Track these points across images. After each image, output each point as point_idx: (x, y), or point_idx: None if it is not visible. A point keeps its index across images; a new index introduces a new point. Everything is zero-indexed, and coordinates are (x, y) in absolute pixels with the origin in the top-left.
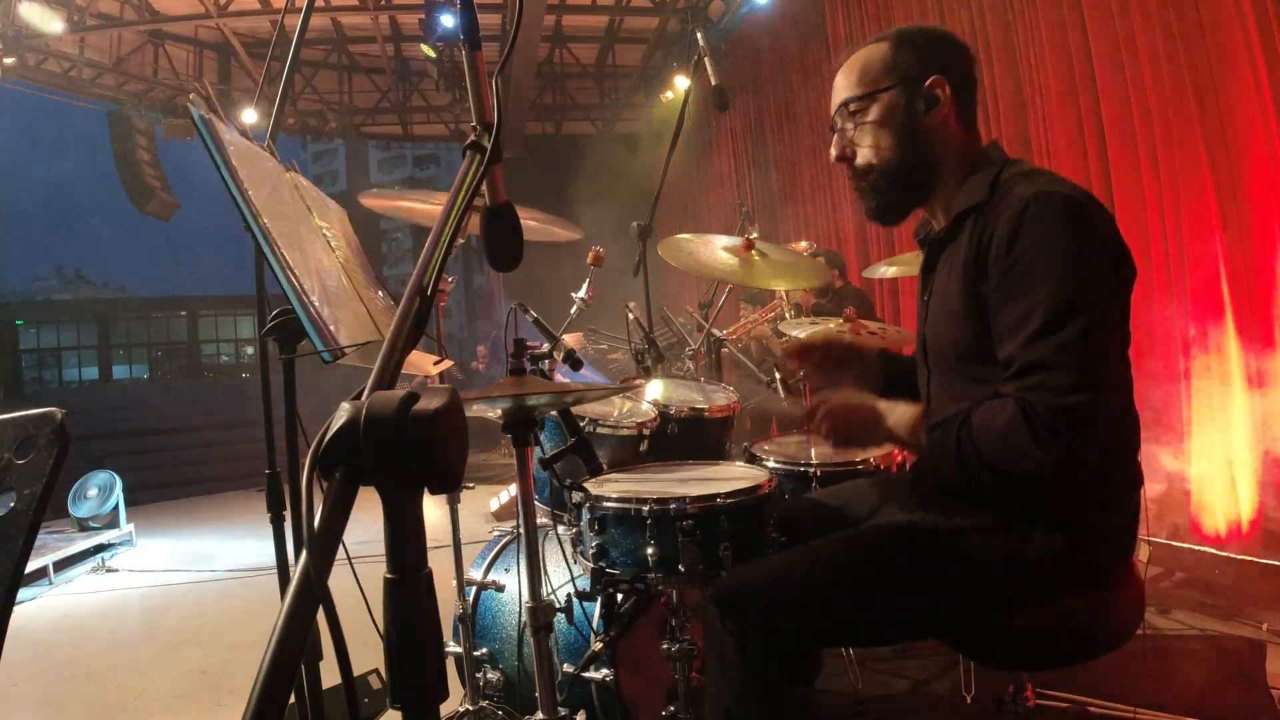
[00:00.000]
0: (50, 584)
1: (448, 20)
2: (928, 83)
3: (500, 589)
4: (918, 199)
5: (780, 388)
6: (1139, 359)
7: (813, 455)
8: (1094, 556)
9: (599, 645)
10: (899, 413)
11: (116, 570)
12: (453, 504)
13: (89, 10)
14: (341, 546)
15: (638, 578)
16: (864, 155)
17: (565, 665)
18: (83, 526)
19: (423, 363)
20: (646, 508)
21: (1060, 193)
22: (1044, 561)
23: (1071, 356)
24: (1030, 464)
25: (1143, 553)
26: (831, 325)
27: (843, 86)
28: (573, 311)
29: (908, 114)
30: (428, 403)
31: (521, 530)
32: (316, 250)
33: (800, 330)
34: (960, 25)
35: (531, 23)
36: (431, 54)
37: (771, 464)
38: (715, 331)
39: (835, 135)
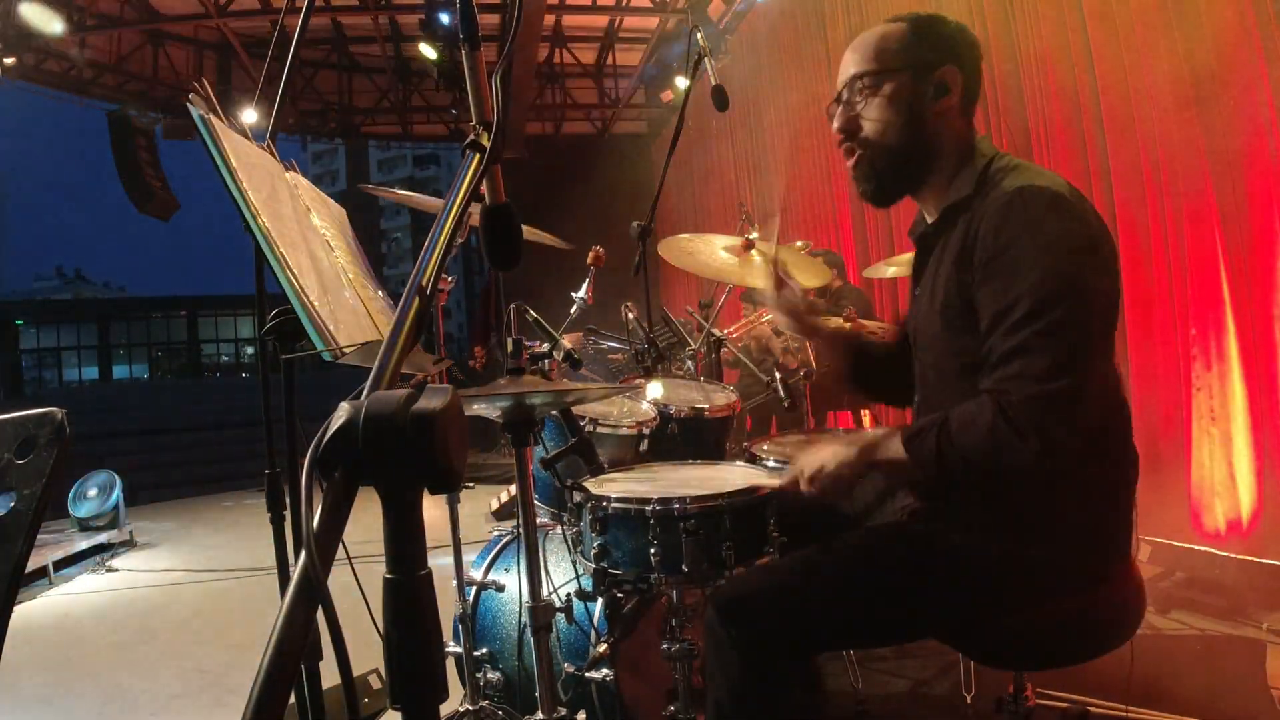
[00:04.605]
0: (50, 584)
1: (446, 18)
2: (941, 70)
3: (500, 589)
4: (911, 184)
5: (780, 388)
6: (1138, 358)
7: None
8: (1092, 555)
9: (603, 647)
10: (866, 441)
11: (116, 570)
12: (453, 504)
13: (89, 10)
14: (341, 546)
15: (640, 578)
16: (868, 129)
17: (566, 665)
18: (83, 526)
19: (422, 363)
20: (649, 508)
21: (1042, 185)
22: (1042, 560)
23: (1050, 342)
24: (1012, 456)
25: (1143, 553)
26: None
27: (854, 61)
28: (573, 311)
29: (917, 97)
30: (427, 403)
31: (521, 530)
32: (316, 250)
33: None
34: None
35: (531, 22)
36: (432, 55)
37: (771, 464)
38: (715, 331)
39: (840, 107)
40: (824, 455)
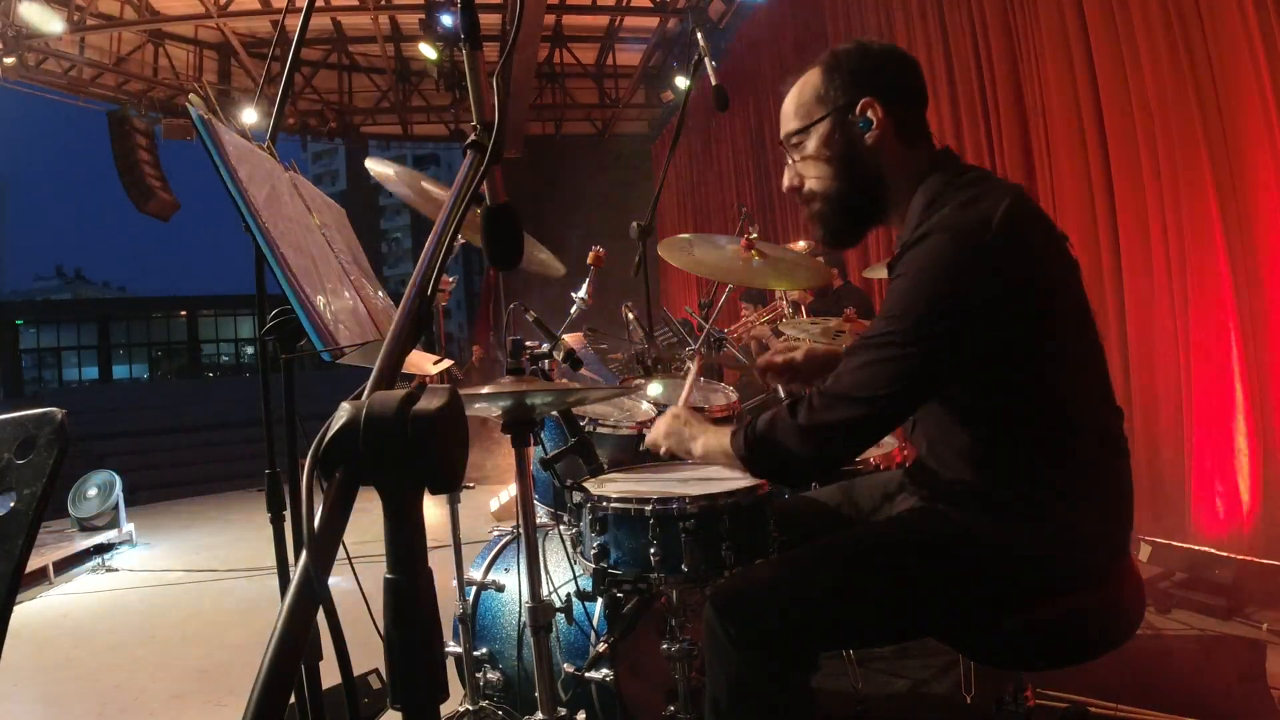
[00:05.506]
0: (50, 584)
1: (448, 20)
2: (859, 107)
3: (500, 589)
4: (868, 221)
5: (780, 388)
6: (1138, 359)
7: None
8: (1091, 555)
9: (603, 647)
10: (709, 435)
11: (116, 570)
12: (453, 504)
13: (89, 10)
14: (341, 546)
15: (640, 578)
16: (810, 185)
17: (565, 665)
18: (83, 526)
19: (422, 363)
20: (649, 508)
21: (956, 226)
22: (1042, 560)
23: (848, 379)
24: (778, 429)
25: (1143, 553)
26: (831, 323)
27: (785, 118)
28: (572, 311)
29: (845, 140)
30: (428, 403)
31: (521, 530)
32: (316, 251)
33: (796, 330)
34: (960, 26)
35: (532, 22)
36: (432, 55)
37: None
38: (715, 331)
39: (786, 166)
40: (671, 432)
